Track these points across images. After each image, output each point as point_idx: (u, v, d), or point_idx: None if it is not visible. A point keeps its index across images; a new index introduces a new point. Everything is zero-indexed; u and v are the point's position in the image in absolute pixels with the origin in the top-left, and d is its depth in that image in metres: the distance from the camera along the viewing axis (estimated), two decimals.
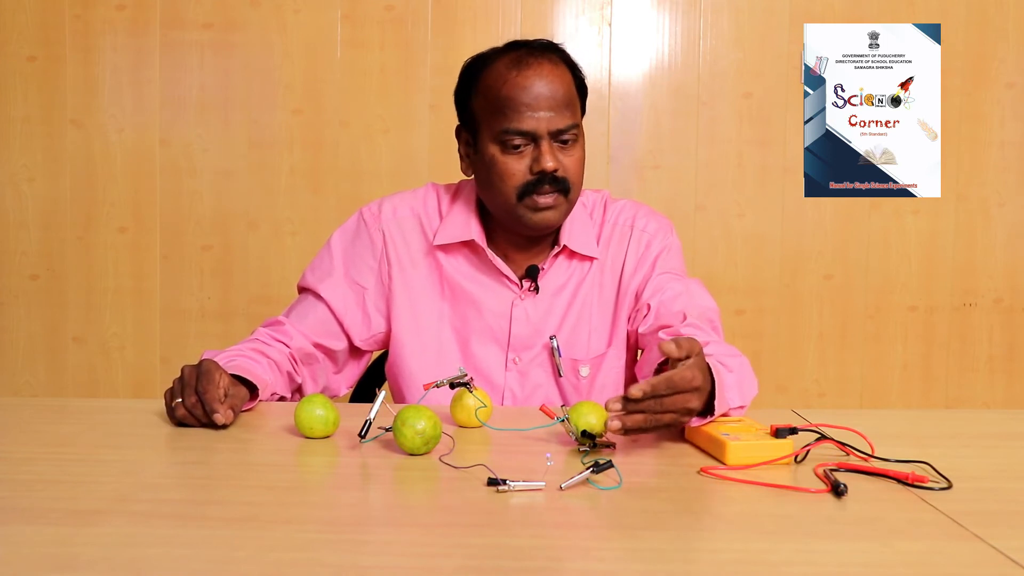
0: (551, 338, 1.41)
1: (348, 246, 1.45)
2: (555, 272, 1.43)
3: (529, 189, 1.33)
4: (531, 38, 1.41)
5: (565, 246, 1.42)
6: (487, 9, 2.38)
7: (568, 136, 1.34)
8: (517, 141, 1.33)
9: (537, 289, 1.41)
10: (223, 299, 2.42)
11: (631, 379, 1.49)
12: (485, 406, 1.15)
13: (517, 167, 1.33)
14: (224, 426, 1.13)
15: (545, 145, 1.32)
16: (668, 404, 1.01)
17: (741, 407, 1.21)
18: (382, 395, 1.08)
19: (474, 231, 1.41)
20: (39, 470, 0.96)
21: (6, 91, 2.38)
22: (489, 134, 1.35)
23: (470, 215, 1.43)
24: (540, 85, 1.32)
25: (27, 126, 2.39)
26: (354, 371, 1.49)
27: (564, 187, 1.34)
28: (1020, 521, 0.86)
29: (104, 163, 2.40)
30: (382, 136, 2.39)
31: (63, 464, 0.98)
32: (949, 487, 0.93)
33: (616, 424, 0.99)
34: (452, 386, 1.15)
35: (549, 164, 1.32)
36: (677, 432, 1.15)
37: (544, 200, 1.34)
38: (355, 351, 1.46)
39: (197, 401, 1.13)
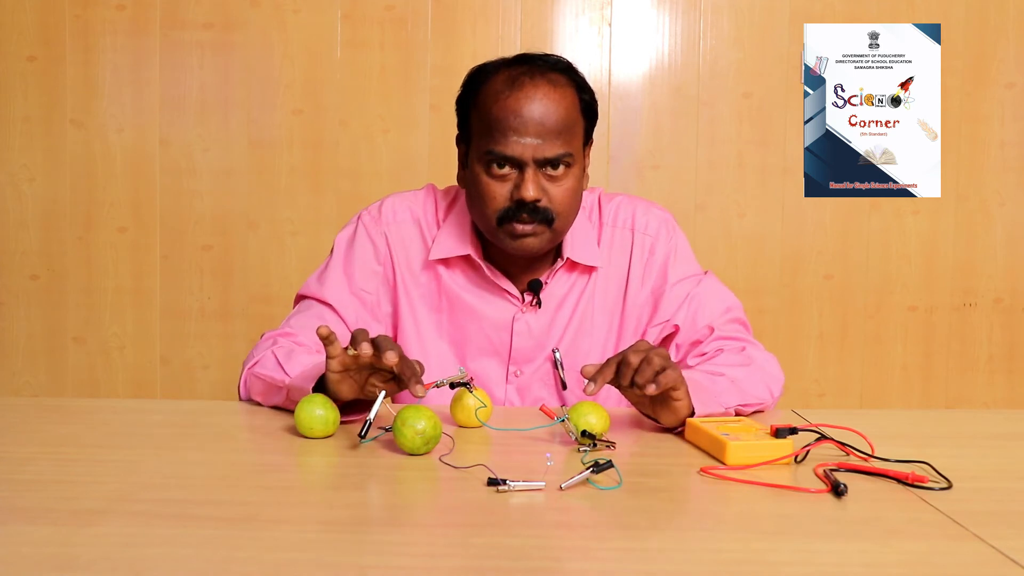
0: (554, 351, 1.40)
1: (351, 254, 1.41)
2: (557, 284, 1.40)
3: (508, 216, 1.28)
4: (542, 52, 1.34)
5: (568, 258, 1.38)
6: (487, 9, 2.38)
7: (559, 164, 1.27)
8: (501, 164, 1.27)
9: (539, 303, 1.39)
10: (223, 299, 2.42)
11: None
12: (485, 406, 1.15)
13: (499, 191, 1.28)
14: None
15: (529, 173, 1.26)
16: (633, 360, 1.10)
17: (744, 405, 1.23)
18: (382, 395, 1.08)
19: (469, 247, 1.37)
20: (39, 470, 0.96)
21: (6, 91, 2.38)
22: (476, 152, 1.30)
23: (464, 228, 1.38)
24: (531, 109, 1.25)
25: (27, 126, 2.39)
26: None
27: (546, 217, 1.28)
28: (1020, 521, 0.86)
29: (104, 163, 2.40)
30: (382, 136, 2.39)
31: (63, 464, 0.98)
32: (949, 487, 0.93)
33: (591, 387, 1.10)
34: (452, 386, 1.15)
35: (529, 194, 1.25)
36: (677, 432, 1.15)
37: (523, 228, 1.28)
38: None
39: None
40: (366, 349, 1.06)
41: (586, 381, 1.10)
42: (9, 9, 2.37)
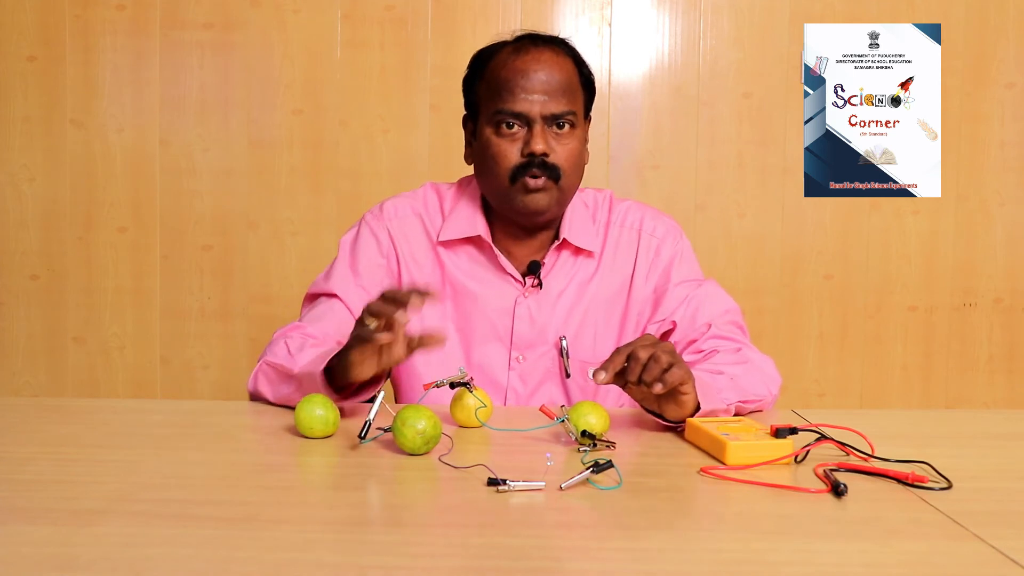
0: (561, 339, 1.41)
1: (356, 250, 1.44)
2: (558, 270, 1.43)
3: (520, 172, 1.34)
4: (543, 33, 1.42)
5: (565, 239, 1.41)
6: (487, 9, 2.38)
7: (564, 123, 1.34)
8: (511, 122, 1.34)
9: (541, 285, 1.41)
10: (223, 299, 2.42)
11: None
12: (485, 406, 1.15)
13: (510, 149, 1.34)
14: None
15: (537, 128, 1.33)
16: (642, 355, 1.08)
17: (743, 402, 1.24)
18: (381, 395, 1.08)
19: (480, 227, 1.41)
20: (39, 470, 0.96)
21: (6, 91, 2.38)
22: (486, 116, 1.37)
23: (475, 211, 1.43)
24: (537, 69, 1.34)
25: (27, 126, 2.39)
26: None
27: (555, 174, 1.34)
28: (1020, 521, 0.86)
29: (104, 163, 2.40)
30: (382, 136, 2.39)
31: (63, 464, 0.98)
32: (949, 487, 0.93)
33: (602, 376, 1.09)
34: (452, 386, 1.15)
35: (539, 147, 1.32)
36: (677, 432, 1.15)
37: (534, 182, 1.34)
38: None
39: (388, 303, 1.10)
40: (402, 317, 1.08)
41: (592, 373, 1.10)
42: (9, 9, 2.37)
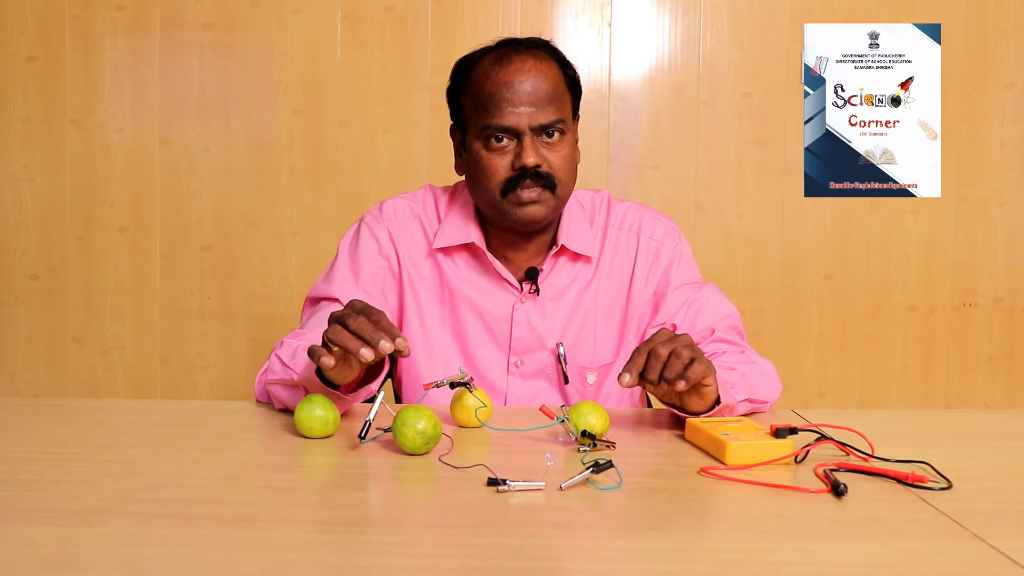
0: (558, 345, 1.40)
1: (356, 252, 1.43)
2: (556, 275, 1.42)
3: (512, 185, 1.32)
4: (523, 36, 1.40)
5: (563, 246, 1.40)
6: (487, 9, 2.38)
7: (553, 131, 1.33)
8: (499, 137, 1.32)
9: (538, 291, 1.40)
10: (223, 299, 2.42)
11: (640, 391, 1.49)
12: (485, 406, 1.15)
13: (500, 163, 1.32)
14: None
15: (527, 140, 1.31)
16: (663, 352, 1.07)
17: (751, 400, 1.24)
18: (381, 395, 1.08)
19: (473, 234, 1.40)
20: (39, 470, 0.96)
21: (6, 91, 2.38)
22: (474, 130, 1.35)
23: (469, 218, 1.42)
24: (522, 81, 1.31)
25: (27, 126, 2.39)
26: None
27: (549, 183, 1.33)
28: (1020, 521, 0.86)
29: (104, 163, 2.40)
30: (382, 136, 2.39)
31: (63, 464, 0.98)
32: (949, 487, 0.93)
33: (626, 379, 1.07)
34: (452, 386, 1.15)
35: (530, 160, 1.30)
36: (677, 432, 1.15)
37: (527, 194, 1.32)
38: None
39: (366, 322, 1.04)
40: (368, 356, 1.03)
41: (618, 377, 1.09)
42: (9, 9, 2.37)
